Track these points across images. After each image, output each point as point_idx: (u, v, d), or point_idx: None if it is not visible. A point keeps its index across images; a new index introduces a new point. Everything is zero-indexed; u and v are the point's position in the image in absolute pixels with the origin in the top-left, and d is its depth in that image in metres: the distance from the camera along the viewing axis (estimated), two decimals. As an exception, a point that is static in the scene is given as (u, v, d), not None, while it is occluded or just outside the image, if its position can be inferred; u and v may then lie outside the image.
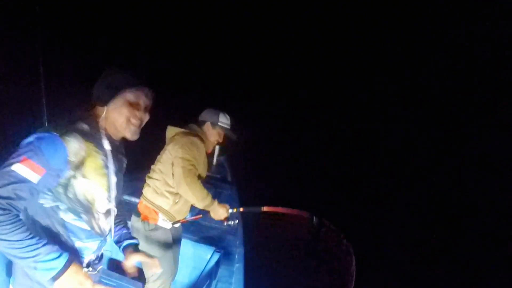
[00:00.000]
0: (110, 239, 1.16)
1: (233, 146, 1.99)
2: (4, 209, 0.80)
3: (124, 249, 1.22)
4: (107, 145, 1.00)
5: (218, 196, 3.13)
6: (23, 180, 0.83)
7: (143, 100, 1.04)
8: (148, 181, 1.83)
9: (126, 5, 6.79)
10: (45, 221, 0.93)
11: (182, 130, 1.83)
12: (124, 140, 1.12)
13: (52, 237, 0.94)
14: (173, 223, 1.79)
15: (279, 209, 1.94)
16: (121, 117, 1.01)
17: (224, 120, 1.90)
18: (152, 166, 1.85)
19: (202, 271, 2.22)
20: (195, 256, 2.28)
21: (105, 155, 0.99)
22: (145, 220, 1.76)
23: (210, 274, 2.10)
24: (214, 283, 1.86)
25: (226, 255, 2.11)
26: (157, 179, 1.77)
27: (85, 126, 0.96)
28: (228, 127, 1.92)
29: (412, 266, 4.15)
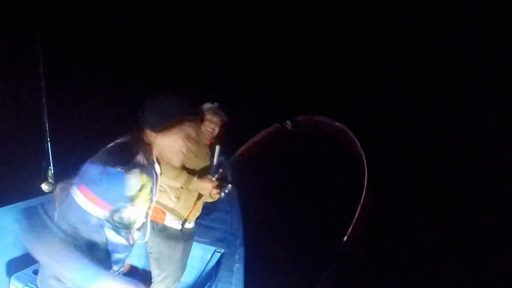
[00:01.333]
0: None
1: (229, 133, 1.96)
2: (66, 240, 0.83)
3: None
4: (158, 170, 1.03)
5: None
6: (89, 215, 0.86)
7: (196, 132, 1.04)
8: None
9: (128, 4, 6.79)
10: (90, 235, 0.94)
11: None
12: None
13: (94, 249, 0.95)
14: (182, 223, 1.77)
15: (251, 141, 1.91)
16: (174, 147, 1.00)
17: (207, 105, 1.90)
18: None
19: (202, 271, 2.22)
20: (195, 256, 2.28)
21: (153, 182, 1.02)
22: (152, 220, 1.74)
23: (211, 274, 2.10)
24: (214, 283, 1.86)
25: (226, 255, 2.11)
26: None
27: (142, 158, 0.96)
28: (214, 107, 1.91)
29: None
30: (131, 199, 0.93)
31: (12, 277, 1.75)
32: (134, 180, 0.90)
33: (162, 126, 0.98)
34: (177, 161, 1.03)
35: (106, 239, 0.97)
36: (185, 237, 1.83)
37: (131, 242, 1.06)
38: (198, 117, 1.03)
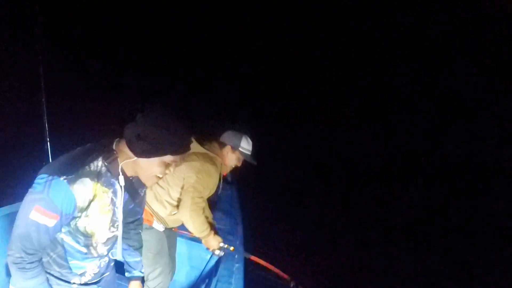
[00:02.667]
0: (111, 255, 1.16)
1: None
2: (31, 262, 0.88)
3: (130, 279, 1.26)
4: (122, 182, 0.97)
5: (217, 196, 3.12)
6: (40, 226, 0.86)
7: (178, 161, 0.99)
8: (153, 187, 1.81)
9: (127, 5, 6.79)
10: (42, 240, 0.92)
11: (203, 150, 1.77)
12: None
13: (48, 250, 0.96)
14: (165, 227, 1.82)
15: (263, 263, 1.99)
16: (150, 172, 0.96)
17: (245, 146, 1.84)
18: None
19: (202, 271, 2.22)
20: (195, 256, 2.29)
21: (114, 192, 0.97)
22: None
23: (210, 274, 2.10)
24: (214, 283, 1.86)
25: (226, 255, 2.11)
26: (161, 187, 1.76)
27: (98, 165, 0.92)
28: (249, 153, 1.86)
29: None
30: (81, 209, 0.90)
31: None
32: (80, 190, 0.87)
33: (146, 155, 0.93)
34: (150, 183, 1.01)
35: (62, 243, 0.96)
36: (168, 234, 1.89)
37: (93, 253, 1.01)
38: (185, 152, 0.96)
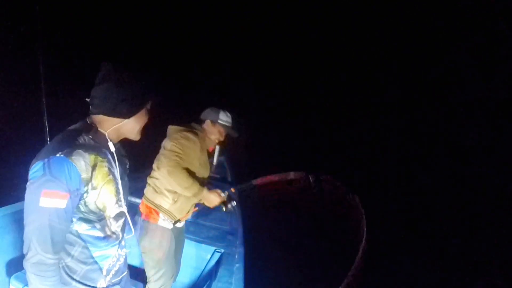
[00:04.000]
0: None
1: (234, 144, 1.98)
2: (51, 265, 0.85)
3: None
4: (112, 147, 1.00)
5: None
6: (54, 212, 0.83)
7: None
8: (149, 180, 1.83)
9: (127, 5, 6.79)
10: (61, 236, 0.92)
11: (180, 127, 1.81)
12: (122, 142, 1.11)
13: (70, 250, 0.94)
14: (174, 223, 1.78)
15: (271, 178, 1.93)
16: (139, 127, 1.04)
17: (224, 118, 1.90)
18: (153, 166, 1.84)
19: (202, 271, 2.22)
20: (195, 256, 2.29)
21: (109, 161, 0.98)
22: (146, 220, 1.75)
23: (210, 274, 2.10)
24: (214, 283, 1.86)
25: (226, 255, 2.11)
26: (156, 178, 1.77)
27: (85, 138, 0.94)
28: (229, 124, 1.91)
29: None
30: (87, 181, 0.90)
31: (12, 277, 1.75)
32: (79, 161, 0.87)
33: (132, 112, 0.99)
34: (139, 137, 1.07)
35: (78, 235, 0.94)
36: (175, 235, 1.85)
37: (108, 232, 1.01)
38: (156, 92, 1.05)
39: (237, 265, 1.96)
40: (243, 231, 2.48)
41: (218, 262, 2.11)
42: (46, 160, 0.85)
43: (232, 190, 1.88)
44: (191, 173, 1.75)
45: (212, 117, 1.90)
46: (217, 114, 1.90)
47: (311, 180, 1.90)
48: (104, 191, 0.96)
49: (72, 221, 0.92)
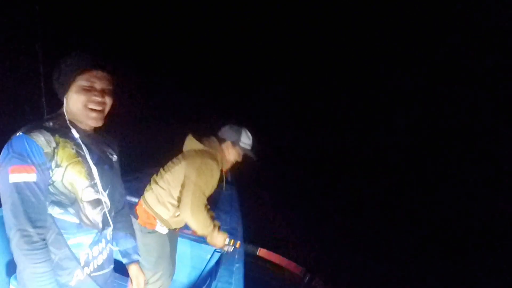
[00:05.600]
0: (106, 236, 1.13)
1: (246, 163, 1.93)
2: (37, 241, 0.85)
3: (128, 265, 1.25)
4: (75, 133, 0.99)
5: (218, 196, 3.12)
6: (25, 186, 0.85)
7: (98, 83, 0.98)
8: (152, 185, 1.79)
9: (128, 5, 6.78)
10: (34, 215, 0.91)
11: (202, 146, 1.74)
12: (100, 130, 1.11)
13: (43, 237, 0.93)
14: (169, 229, 1.80)
15: (274, 257, 1.91)
16: (78, 105, 0.97)
17: (246, 141, 1.80)
18: (161, 171, 1.79)
19: (202, 271, 2.22)
20: (195, 256, 2.29)
21: (76, 145, 0.98)
22: (143, 225, 1.74)
23: (210, 274, 2.10)
24: (214, 283, 1.86)
25: (226, 255, 2.11)
26: (162, 188, 1.73)
27: (50, 123, 0.97)
28: (249, 147, 1.82)
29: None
30: (50, 156, 0.91)
31: (12, 277, 1.75)
32: (39, 137, 0.89)
33: (62, 90, 0.98)
34: (90, 119, 0.99)
35: (53, 219, 0.94)
36: (170, 237, 1.85)
37: (86, 221, 0.99)
38: (90, 67, 0.96)
39: (237, 265, 1.96)
40: (243, 231, 2.48)
41: (218, 262, 2.11)
42: (9, 140, 0.89)
43: (238, 245, 1.83)
44: (210, 193, 1.73)
45: (233, 139, 1.79)
46: (238, 135, 1.79)
47: (305, 278, 1.90)
48: (70, 171, 0.95)
49: (47, 198, 0.92)
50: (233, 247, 1.81)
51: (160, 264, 1.76)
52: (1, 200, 0.86)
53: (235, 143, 1.79)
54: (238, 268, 1.94)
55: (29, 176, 0.85)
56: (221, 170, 1.80)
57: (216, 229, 1.73)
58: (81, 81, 0.96)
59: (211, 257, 2.22)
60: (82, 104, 0.97)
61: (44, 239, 0.88)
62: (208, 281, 2.05)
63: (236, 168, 1.96)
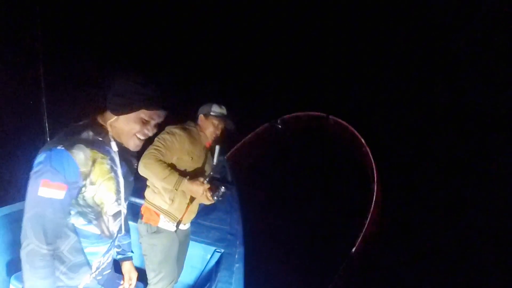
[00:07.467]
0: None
1: (231, 137, 1.94)
2: (45, 255, 0.86)
3: (121, 261, 1.28)
4: (114, 147, 1.00)
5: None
6: (50, 203, 0.86)
7: (156, 120, 1.04)
8: (148, 182, 1.80)
9: (128, 5, 6.79)
10: (56, 225, 0.93)
11: (171, 126, 1.76)
12: None
13: (62, 241, 0.95)
14: (177, 225, 1.76)
15: (240, 144, 1.92)
16: (128, 130, 1.01)
17: (217, 110, 1.84)
18: None
19: (202, 271, 2.22)
20: (195, 256, 2.29)
21: (111, 159, 0.99)
22: (147, 222, 1.73)
23: (210, 274, 2.10)
24: (214, 283, 1.86)
25: (226, 255, 2.11)
26: None
27: (89, 134, 0.96)
28: (221, 115, 1.84)
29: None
30: (85, 175, 0.92)
31: (12, 277, 1.75)
32: (79, 154, 0.90)
33: (121, 111, 0.99)
34: (131, 146, 1.04)
35: (74, 229, 0.95)
36: (180, 238, 1.82)
37: (106, 232, 1.02)
38: (158, 108, 1.01)
39: (237, 265, 1.96)
40: (243, 231, 2.48)
41: (218, 262, 2.11)
42: (48, 151, 0.88)
43: (222, 188, 1.69)
44: (182, 168, 1.72)
45: (204, 111, 1.85)
46: (209, 107, 1.84)
47: (276, 125, 1.92)
48: (103, 187, 0.97)
49: (69, 213, 0.94)
50: (223, 188, 1.69)
51: (163, 266, 1.73)
52: (26, 206, 0.87)
53: (206, 114, 1.84)
54: (238, 268, 1.94)
55: (58, 193, 0.86)
56: (205, 146, 1.86)
57: (185, 179, 1.62)
58: (144, 115, 1.00)
59: (211, 257, 2.22)
60: (133, 132, 1.01)
61: (52, 254, 0.90)
62: (208, 281, 2.05)
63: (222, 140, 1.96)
